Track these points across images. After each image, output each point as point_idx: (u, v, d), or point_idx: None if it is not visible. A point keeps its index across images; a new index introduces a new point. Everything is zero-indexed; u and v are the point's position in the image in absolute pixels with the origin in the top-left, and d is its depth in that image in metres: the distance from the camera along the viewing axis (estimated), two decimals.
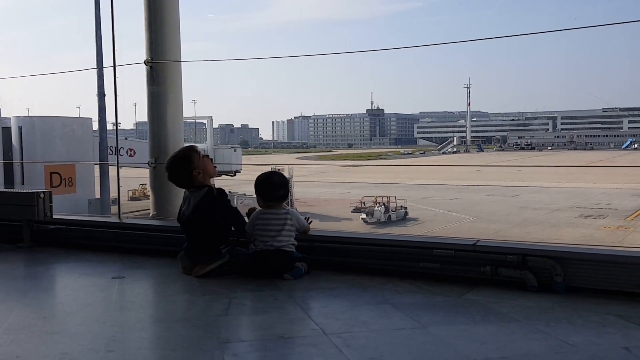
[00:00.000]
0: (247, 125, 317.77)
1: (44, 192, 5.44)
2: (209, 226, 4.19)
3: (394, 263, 4.13)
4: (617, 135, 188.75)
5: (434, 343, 2.87)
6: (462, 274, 3.91)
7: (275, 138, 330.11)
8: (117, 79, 5.94)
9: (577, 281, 3.62)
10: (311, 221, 4.49)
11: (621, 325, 3.07)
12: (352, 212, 38.00)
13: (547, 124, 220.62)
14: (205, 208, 4.19)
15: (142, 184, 34.14)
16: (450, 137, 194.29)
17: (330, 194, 47.31)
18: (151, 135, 5.56)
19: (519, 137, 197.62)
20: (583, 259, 3.67)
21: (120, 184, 6.49)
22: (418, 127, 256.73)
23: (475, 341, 2.85)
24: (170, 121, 5.52)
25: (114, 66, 5.83)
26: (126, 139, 28.38)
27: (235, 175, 28.55)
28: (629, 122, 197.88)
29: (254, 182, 4.34)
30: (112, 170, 20.69)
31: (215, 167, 4.45)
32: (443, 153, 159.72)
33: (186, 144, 5.31)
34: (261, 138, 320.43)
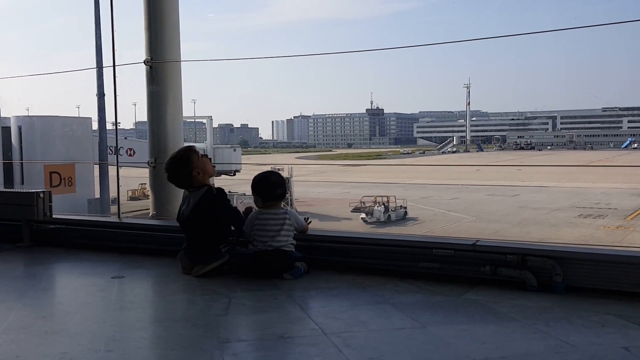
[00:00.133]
0: (247, 124, 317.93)
1: (43, 191, 5.44)
2: (209, 226, 4.19)
3: (394, 263, 4.13)
4: (617, 135, 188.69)
5: (433, 343, 2.87)
6: (461, 273, 3.91)
7: (275, 138, 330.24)
8: (116, 78, 5.94)
9: (576, 281, 3.62)
10: (310, 221, 4.49)
11: (621, 325, 3.07)
12: (351, 211, 38.03)
13: (547, 123, 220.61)
14: (205, 207, 4.19)
15: (142, 184, 34.14)
16: (449, 136, 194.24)
17: (330, 194, 47.33)
18: (151, 134, 5.56)
19: (518, 137, 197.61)
20: (582, 259, 3.67)
21: (120, 184, 6.49)
22: (418, 127, 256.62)
23: (475, 341, 2.85)
24: (169, 121, 5.52)
25: (114, 66, 5.84)
26: (126, 138, 28.40)
27: (234, 174, 28.55)
28: (629, 121, 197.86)
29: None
30: (112, 170, 20.70)
31: (214, 166, 4.46)
32: (443, 153, 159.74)
33: (186, 144, 5.32)
34: (261, 138, 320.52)
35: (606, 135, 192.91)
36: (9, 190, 6.32)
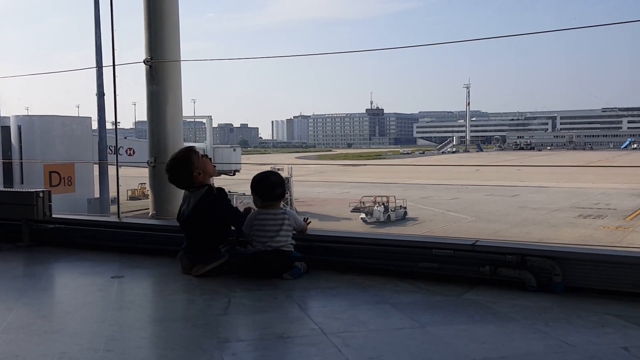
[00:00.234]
0: (247, 124, 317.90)
1: (43, 191, 5.44)
2: (209, 225, 4.19)
3: (393, 263, 4.13)
4: (617, 135, 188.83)
5: (433, 343, 2.87)
6: (461, 273, 3.91)
7: (275, 137, 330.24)
8: (116, 78, 5.95)
9: (576, 281, 3.63)
10: (310, 221, 4.49)
11: (620, 325, 3.07)
12: (351, 211, 38.04)
13: (547, 123, 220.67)
14: (205, 207, 4.19)
15: (142, 184, 34.16)
16: (449, 136, 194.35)
17: (330, 194, 47.34)
18: (150, 134, 5.56)
19: (518, 137, 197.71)
20: (582, 259, 3.68)
21: (120, 183, 6.48)
22: (417, 127, 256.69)
23: (474, 341, 2.85)
24: (169, 120, 5.52)
25: (114, 65, 5.84)
26: (125, 138, 28.36)
27: (234, 174, 28.56)
28: (629, 122, 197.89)
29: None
30: (112, 170, 20.72)
31: (214, 166, 4.46)
32: (442, 153, 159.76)
33: (185, 144, 5.32)
34: (260, 137, 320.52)
35: (606, 135, 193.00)
36: (8, 189, 6.32)
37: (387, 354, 2.67)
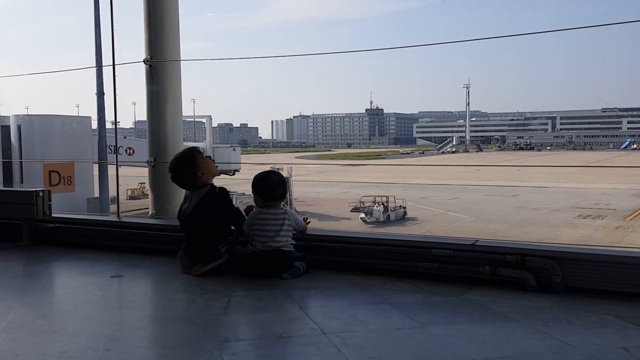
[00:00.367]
0: (246, 124, 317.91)
1: (43, 190, 5.43)
2: (210, 225, 4.19)
3: (393, 263, 4.13)
4: (616, 136, 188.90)
5: (432, 343, 2.87)
6: (461, 273, 3.91)
7: (275, 137, 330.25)
8: (116, 77, 5.94)
9: (575, 281, 3.63)
10: (309, 221, 4.49)
11: (620, 325, 3.07)
12: (351, 211, 38.06)
13: (546, 124, 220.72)
14: (207, 207, 4.19)
15: (141, 183, 34.16)
16: (449, 136, 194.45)
17: (329, 194, 47.35)
18: (150, 134, 5.56)
19: (518, 137, 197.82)
20: (582, 259, 3.68)
21: (120, 183, 6.48)
22: (417, 127, 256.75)
23: (474, 341, 2.85)
24: (169, 120, 5.52)
25: (113, 65, 5.84)
26: (125, 137, 28.36)
27: (234, 174, 28.57)
28: (628, 122, 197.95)
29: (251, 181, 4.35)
30: (111, 169, 20.75)
31: (217, 167, 4.47)
32: (442, 153, 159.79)
33: (185, 143, 5.32)
34: (260, 137, 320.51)
35: (606, 135, 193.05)
36: (8, 189, 6.32)
37: (386, 354, 2.67)
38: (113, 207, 18.63)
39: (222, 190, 4.29)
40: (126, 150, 22.69)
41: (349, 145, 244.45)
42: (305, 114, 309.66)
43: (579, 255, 3.76)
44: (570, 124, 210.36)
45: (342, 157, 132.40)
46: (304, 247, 4.24)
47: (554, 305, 3.40)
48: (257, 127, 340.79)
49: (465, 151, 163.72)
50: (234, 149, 32.70)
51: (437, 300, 3.57)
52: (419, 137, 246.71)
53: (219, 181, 4.43)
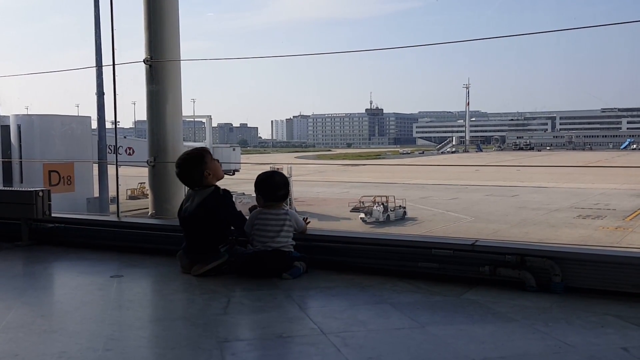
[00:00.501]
0: (246, 124, 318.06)
1: (42, 190, 5.43)
2: (211, 224, 4.19)
3: (393, 263, 4.13)
4: (616, 136, 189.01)
5: (432, 343, 2.87)
6: (460, 273, 3.91)
7: (274, 137, 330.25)
8: (116, 77, 5.94)
9: (575, 281, 3.62)
10: (309, 221, 4.49)
11: (620, 325, 3.07)
12: (350, 211, 38.05)
13: (546, 124, 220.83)
14: (210, 207, 4.19)
15: (141, 183, 34.14)
16: (449, 137, 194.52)
17: (329, 194, 47.35)
18: (150, 133, 5.56)
19: (517, 137, 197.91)
20: (581, 259, 3.67)
21: (119, 183, 6.48)
22: (417, 127, 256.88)
23: (474, 341, 2.85)
24: (169, 120, 5.51)
25: (113, 65, 5.84)
26: (125, 137, 28.36)
27: (234, 174, 28.57)
28: (628, 122, 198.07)
29: (254, 181, 4.35)
30: (111, 169, 20.75)
31: (223, 171, 4.48)
32: (442, 153, 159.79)
33: (185, 143, 5.32)
34: (260, 137, 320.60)
35: (605, 136, 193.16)
36: (8, 188, 6.32)
37: (386, 354, 2.67)
38: (113, 207, 18.63)
39: (226, 192, 4.30)
40: (126, 150, 22.69)
41: (349, 145, 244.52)
42: (305, 114, 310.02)
43: (578, 256, 3.76)
44: (569, 124, 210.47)
45: (341, 157, 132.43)
46: (303, 247, 4.23)
47: (554, 306, 3.40)
48: (257, 127, 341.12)
49: (465, 151, 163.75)
50: (234, 149, 32.72)
51: (437, 300, 3.57)
52: (419, 137, 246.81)
53: (218, 181, 4.43)
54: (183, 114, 5.87)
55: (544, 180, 52.45)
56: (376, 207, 37.08)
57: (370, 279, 3.99)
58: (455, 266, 3.93)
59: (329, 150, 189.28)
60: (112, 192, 19.78)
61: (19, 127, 18.07)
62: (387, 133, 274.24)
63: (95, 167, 20.68)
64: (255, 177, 4.36)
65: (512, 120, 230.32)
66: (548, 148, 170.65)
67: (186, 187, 4.51)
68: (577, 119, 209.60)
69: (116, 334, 3.01)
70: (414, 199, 41.36)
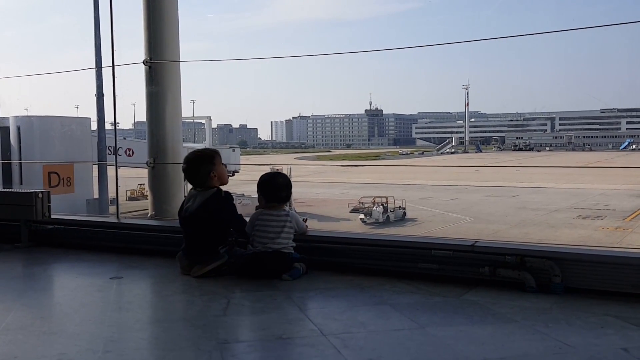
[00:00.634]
0: (246, 125, 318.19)
1: (42, 192, 5.43)
2: (212, 225, 4.19)
3: (393, 263, 4.13)
4: (616, 136, 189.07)
5: (432, 344, 2.87)
6: (460, 274, 3.91)
7: (274, 138, 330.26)
8: (115, 78, 5.94)
9: (575, 282, 3.62)
10: (307, 220, 4.48)
11: (620, 326, 3.07)
12: (350, 212, 38.01)
13: (546, 124, 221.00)
14: (211, 208, 4.19)
15: (141, 184, 34.11)
16: (448, 137, 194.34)
17: (329, 194, 47.32)
18: (150, 135, 5.55)
19: (517, 138, 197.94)
20: (581, 260, 3.67)
21: (119, 184, 6.47)
22: (416, 128, 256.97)
23: (474, 342, 2.85)
24: (169, 121, 5.51)
25: (113, 66, 5.83)
26: (125, 138, 28.36)
27: (233, 175, 28.54)
28: (627, 122, 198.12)
29: (255, 182, 4.36)
30: (111, 170, 20.71)
31: (228, 177, 4.49)
32: (441, 153, 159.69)
33: (184, 145, 5.32)
34: (260, 138, 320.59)
35: (605, 136, 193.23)
36: (7, 190, 6.31)
37: (386, 355, 2.67)
38: (112, 209, 18.62)
39: (227, 194, 4.31)
40: (125, 152, 22.66)
41: (349, 146, 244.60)
42: (304, 115, 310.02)
43: (578, 256, 3.76)
44: (569, 124, 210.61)
45: (341, 157, 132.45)
46: (303, 248, 4.23)
47: (554, 306, 3.40)
48: (257, 128, 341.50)
49: (465, 152, 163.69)
50: (234, 150, 32.62)
51: (437, 301, 3.57)
52: (418, 138, 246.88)
53: None
54: (183, 115, 5.86)
55: (544, 181, 52.42)
56: (376, 207, 37.05)
57: (369, 280, 3.99)
58: (455, 267, 3.93)
59: (329, 151, 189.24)
60: (111, 193, 19.75)
61: (18, 128, 18.06)
62: (386, 134, 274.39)
63: (95, 168, 20.66)
64: (255, 177, 4.37)
65: (511, 120, 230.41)
66: (547, 148, 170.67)
67: (187, 188, 4.51)
68: (576, 120, 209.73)
69: (116, 336, 3.01)
70: (413, 200, 41.33)
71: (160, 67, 5.38)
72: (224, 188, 4.35)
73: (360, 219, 36.24)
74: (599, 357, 2.65)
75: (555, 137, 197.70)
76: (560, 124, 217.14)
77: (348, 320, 3.21)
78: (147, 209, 5.88)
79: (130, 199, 35.95)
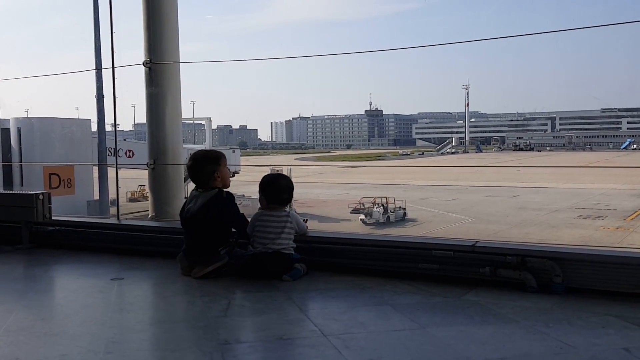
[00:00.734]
0: (246, 126, 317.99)
1: (42, 193, 5.43)
2: (213, 226, 4.19)
3: (393, 264, 4.13)
4: (616, 136, 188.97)
5: (433, 344, 2.87)
6: (461, 274, 3.91)
7: (274, 139, 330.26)
8: (115, 80, 5.94)
9: (576, 282, 3.62)
10: (307, 221, 4.49)
11: (621, 326, 3.07)
12: (350, 212, 37.98)
13: (546, 124, 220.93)
14: (213, 209, 4.20)
15: (141, 185, 34.11)
16: (448, 137, 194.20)
17: (329, 195, 47.30)
18: (150, 136, 5.55)
19: (517, 138, 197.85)
20: (582, 260, 3.67)
21: (119, 185, 6.48)
22: (417, 128, 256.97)
23: (475, 342, 2.85)
24: (169, 122, 5.51)
25: (113, 67, 5.83)
26: (125, 140, 28.38)
27: (233, 176, 28.52)
28: (628, 122, 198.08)
29: (255, 182, 4.36)
30: (111, 172, 20.74)
31: (230, 180, 4.49)
32: (442, 154, 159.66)
33: (185, 146, 5.32)
34: (260, 139, 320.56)
35: (605, 136, 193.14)
36: (8, 192, 6.32)
37: (387, 356, 2.67)
38: (113, 210, 18.64)
39: (229, 195, 4.31)
40: (126, 153, 22.68)
41: (349, 147, 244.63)
42: (304, 116, 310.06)
43: (579, 256, 3.76)
44: (569, 124, 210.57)
45: (341, 158, 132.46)
46: (304, 248, 4.24)
47: (555, 306, 3.40)
48: (257, 129, 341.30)
49: (465, 152, 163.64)
50: (234, 151, 32.63)
51: (438, 302, 3.57)
52: (419, 138, 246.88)
53: None
54: (183, 116, 5.86)
55: (544, 181, 52.35)
56: (376, 208, 37.03)
57: (370, 280, 3.99)
58: (455, 267, 3.93)
59: (329, 152, 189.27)
60: (112, 194, 19.80)
61: (19, 130, 18.09)
62: (386, 134, 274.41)
63: (95, 169, 20.68)
64: (254, 178, 4.37)
65: (511, 120, 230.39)
66: (548, 148, 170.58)
67: (187, 189, 4.51)
68: (577, 120, 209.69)
69: (117, 337, 3.01)
70: (414, 200, 41.31)
71: (160, 69, 5.38)
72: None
73: (361, 219, 36.22)
74: (600, 357, 2.66)
75: (556, 137, 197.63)
76: (560, 124, 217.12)
77: (349, 321, 3.21)
78: (147, 210, 5.88)
79: (131, 200, 35.94)
